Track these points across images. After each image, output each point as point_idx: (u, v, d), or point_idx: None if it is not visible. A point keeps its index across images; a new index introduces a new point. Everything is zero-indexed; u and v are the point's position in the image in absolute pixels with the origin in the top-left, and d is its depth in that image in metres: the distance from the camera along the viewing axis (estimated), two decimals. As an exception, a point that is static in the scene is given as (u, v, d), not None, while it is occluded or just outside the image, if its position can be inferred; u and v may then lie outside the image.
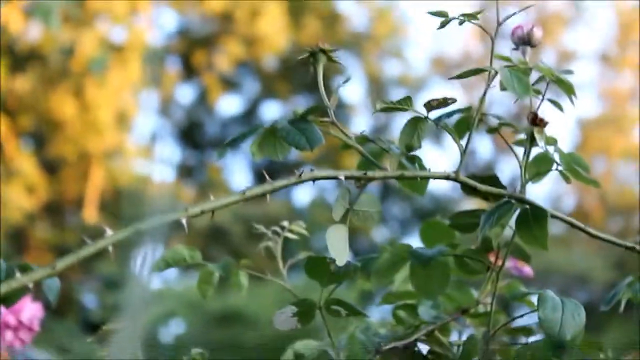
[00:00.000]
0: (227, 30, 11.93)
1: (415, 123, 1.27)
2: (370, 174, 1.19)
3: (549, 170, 1.33)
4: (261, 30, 11.60)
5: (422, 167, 1.28)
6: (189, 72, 12.66)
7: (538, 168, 1.34)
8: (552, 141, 1.32)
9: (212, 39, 12.23)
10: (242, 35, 11.73)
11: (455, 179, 1.24)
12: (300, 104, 12.00)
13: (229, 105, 15.45)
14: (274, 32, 11.59)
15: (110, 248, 1.01)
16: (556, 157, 1.33)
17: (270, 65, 12.35)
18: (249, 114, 12.51)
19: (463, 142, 1.29)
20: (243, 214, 10.05)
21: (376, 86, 11.89)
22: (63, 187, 11.61)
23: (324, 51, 1.31)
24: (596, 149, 11.14)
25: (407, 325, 1.41)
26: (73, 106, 11.17)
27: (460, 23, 1.25)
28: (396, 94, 11.40)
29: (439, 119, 1.29)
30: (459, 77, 1.23)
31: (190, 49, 12.49)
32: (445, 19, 1.24)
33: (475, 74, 1.23)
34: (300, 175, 1.14)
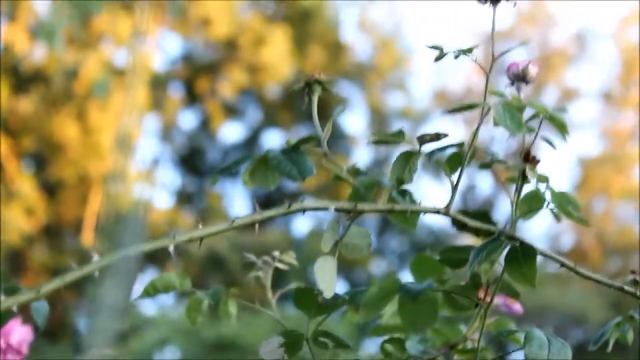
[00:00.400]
0: (231, 57, 11.96)
1: (408, 157, 1.27)
2: (360, 206, 1.18)
3: (540, 208, 1.33)
4: (265, 58, 11.63)
5: (413, 201, 1.28)
6: (192, 98, 12.69)
7: (529, 206, 1.34)
8: (543, 179, 1.32)
9: (216, 66, 12.27)
10: (246, 63, 11.77)
11: (445, 214, 1.23)
12: (303, 133, 11.96)
13: (231, 132, 15.46)
14: (278, 61, 11.62)
15: (97, 273, 1.01)
16: (548, 195, 1.33)
17: (273, 93, 12.38)
18: (251, 141, 12.53)
19: (455, 177, 1.29)
20: (240, 243, 10.03)
21: (378, 118, 11.92)
22: (62, 209, 11.61)
23: (319, 82, 1.31)
24: (596, 188, 11.14)
25: (395, 359, 1.40)
26: (75, 129, 11.19)
27: (456, 57, 1.25)
28: (398, 126, 11.37)
29: (432, 153, 1.29)
30: (452, 111, 1.23)
31: (194, 75, 12.52)
32: (440, 53, 1.24)
33: (469, 109, 1.23)
34: (289, 206, 1.13)
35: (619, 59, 11.91)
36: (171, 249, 1.02)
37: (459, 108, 1.23)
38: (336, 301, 1.32)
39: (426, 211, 1.23)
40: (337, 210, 1.16)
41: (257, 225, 1.11)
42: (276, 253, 1.50)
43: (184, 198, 12.50)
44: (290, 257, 1.48)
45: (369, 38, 12.28)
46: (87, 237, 11.00)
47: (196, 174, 12.86)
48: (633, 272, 1.53)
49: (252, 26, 12.02)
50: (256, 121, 12.73)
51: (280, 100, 12.23)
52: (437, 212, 1.23)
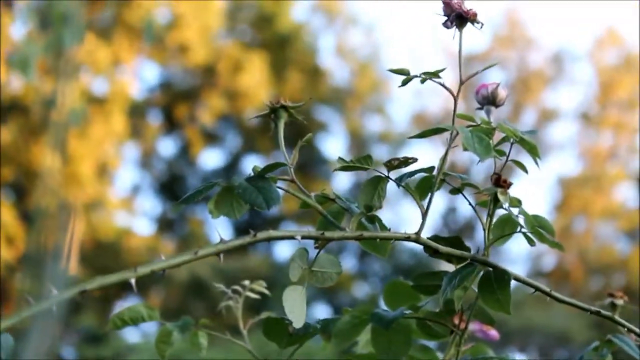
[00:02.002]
0: (209, 83, 11.94)
1: (376, 182, 1.25)
2: (328, 234, 1.16)
3: (514, 232, 1.31)
4: (243, 84, 11.61)
5: (384, 227, 1.26)
6: (171, 124, 12.66)
7: (502, 230, 1.32)
8: (516, 203, 1.30)
9: (194, 93, 12.24)
10: (225, 89, 11.74)
11: (415, 241, 1.21)
12: (281, 158, 11.98)
13: (210, 158, 15.44)
14: (256, 87, 11.60)
15: (54, 308, 0.98)
16: (521, 219, 1.31)
17: (252, 119, 12.33)
18: (230, 167, 12.49)
19: (425, 203, 1.26)
20: (223, 269, 9.98)
21: (358, 142, 11.90)
22: (42, 238, 11.52)
23: (285, 107, 1.29)
24: (577, 207, 11.15)
25: (367, 390, 1.38)
26: (54, 158, 11.13)
27: (422, 81, 1.23)
28: (377, 150, 11.43)
29: (401, 178, 1.26)
30: (419, 136, 1.20)
31: (173, 102, 12.50)
32: (407, 77, 1.22)
33: (436, 133, 1.20)
34: (255, 235, 1.11)
35: (596, 80, 11.95)
36: (132, 282, 0.99)
37: (426, 133, 1.21)
38: (307, 331, 1.29)
39: (396, 238, 1.20)
40: (304, 237, 1.14)
41: (221, 256, 1.08)
42: (246, 282, 1.47)
43: (164, 225, 12.45)
44: (260, 286, 1.46)
45: (347, 63, 12.29)
46: (71, 266, 10.92)
47: (177, 200, 12.77)
48: (611, 294, 1.51)
49: (229, 53, 12.01)
50: (236, 147, 12.71)
51: (259, 126, 12.20)
52: (407, 238, 1.20)
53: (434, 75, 1.22)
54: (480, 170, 11.71)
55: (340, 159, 1.23)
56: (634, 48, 11.56)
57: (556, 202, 11.39)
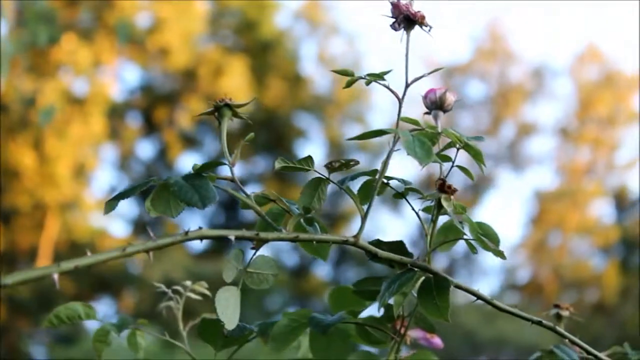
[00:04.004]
0: (189, 87, 11.91)
1: (317, 184, 1.23)
2: (263, 235, 1.14)
3: (457, 239, 1.29)
4: (224, 88, 11.58)
5: (324, 230, 1.24)
6: (150, 127, 12.62)
7: (445, 236, 1.30)
8: (460, 209, 1.27)
9: (174, 96, 12.21)
10: (205, 93, 11.71)
11: (354, 244, 1.19)
12: (261, 164, 11.96)
13: (188, 162, 15.39)
14: (237, 91, 11.57)
15: None
16: (465, 226, 1.29)
17: (231, 124, 12.29)
18: (229, 181, 12.42)
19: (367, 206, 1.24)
20: (197, 272, 9.93)
21: (336, 150, 11.89)
22: (17, 237, 11.48)
23: (229, 106, 1.27)
24: (552, 222, 11.16)
25: (308, 394, 1.36)
26: (31, 157, 11.08)
27: (367, 83, 1.21)
28: (357, 159, 11.36)
29: (343, 181, 1.24)
30: (358, 138, 1.18)
31: (152, 105, 12.46)
32: (351, 79, 1.20)
33: (376, 136, 1.18)
34: (187, 233, 1.09)
35: (576, 96, 11.98)
36: (55, 277, 0.97)
37: (366, 135, 1.19)
38: (243, 333, 1.27)
39: (333, 241, 1.18)
40: (239, 238, 1.11)
41: (151, 254, 1.06)
42: (187, 282, 1.45)
43: (140, 227, 12.41)
44: (202, 287, 1.44)
45: (328, 71, 12.28)
46: (42, 265, 10.86)
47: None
48: (556, 305, 1.49)
49: (211, 57, 11.99)
50: (214, 151, 12.68)
51: (238, 131, 12.14)
52: (345, 242, 1.18)
53: (379, 77, 1.20)
54: (458, 180, 11.72)
55: (281, 159, 1.21)
56: (614, 64, 11.60)
57: (532, 216, 11.41)
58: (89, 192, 11.97)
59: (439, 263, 10.18)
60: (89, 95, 11.57)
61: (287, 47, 12.74)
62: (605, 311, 10.54)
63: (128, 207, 12.67)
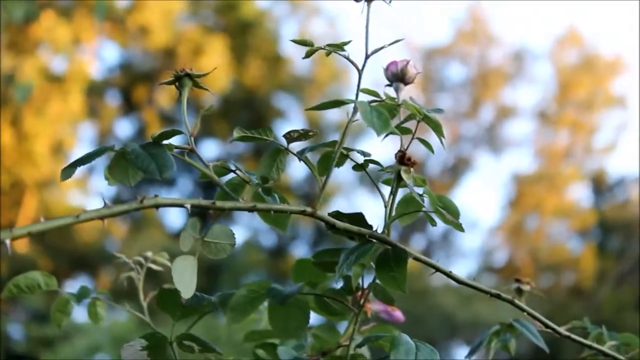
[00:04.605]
0: (168, 66, 11.85)
1: (275, 154, 1.23)
2: (219, 204, 1.13)
3: (417, 211, 1.29)
4: (203, 67, 11.51)
5: (283, 201, 1.24)
6: (129, 106, 12.58)
7: (405, 209, 1.30)
8: (420, 182, 1.27)
9: (154, 75, 12.17)
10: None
11: (311, 215, 1.19)
12: (239, 144, 11.93)
13: (167, 141, 15.33)
14: (216, 71, 11.52)
15: None
16: (426, 199, 1.29)
17: (210, 103, 12.28)
18: (188, 151, 12.40)
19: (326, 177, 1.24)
20: (175, 251, 9.91)
21: (315, 131, 11.86)
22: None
23: (189, 76, 1.27)
24: (530, 205, 11.19)
25: (267, 366, 1.36)
26: (9, 135, 11.03)
27: (327, 54, 1.21)
28: (334, 139, 11.37)
29: (302, 151, 1.24)
30: (317, 108, 1.18)
31: (131, 84, 12.42)
32: (310, 49, 1.20)
33: (334, 106, 1.18)
34: (141, 201, 1.08)
35: (555, 79, 11.99)
36: (7, 242, 0.96)
37: (324, 105, 1.18)
38: (201, 303, 1.27)
39: (291, 211, 1.18)
40: (194, 207, 1.11)
41: (105, 221, 1.05)
42: (149, 253, 1.45)
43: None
44: (163, 258, 1.44)
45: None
46: (19, 243, 10.84)
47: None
48: (517, 280, 1.50)
49: (191, 36, 11.95)
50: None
51: (217, 110, 12.14)
52: (303, 212, 1.18)
53: (339, 47, 1.20)
54: (437, 162, 11.75)
55: (239, 128, 1.21)
56: (593, 48, 11.62)
57: (510, 199, 11.44)
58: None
59: (417, 245, 10.23)
60: (68, 73, 11.52)
61: (268, 28, 12.70)
62: (582, 294, 10.59)
63: (106, 185, 12.62)
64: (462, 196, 15.01)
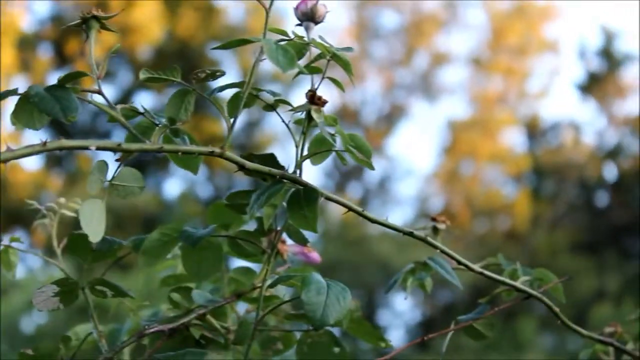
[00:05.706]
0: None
1: (183, 95, 1.22)
2: (125, 145, 1.13)
3: (328, 150, 1.29)
4: (136, 19, 11.42)
5: (193, 142, 1.23)
6: (62, 59, 12.42)
7: (317, 148, 1.30)
8: (331, 121, 1.27)
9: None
10: (116, 24, 11.50)
11: (220, 156, 1.18)
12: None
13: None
14: (149, 22, 11.43)
15: None
16: (337, 139, 1.29)
17: (144, 55, 12.19)
18: (122, 104, 12.30)
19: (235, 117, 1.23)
20: (111, 207, 9.87)
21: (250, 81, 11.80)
22: None
23: (97, 18, 1.25)
24: (465, 151, 11.26)
25: (183, 309, 1.35)
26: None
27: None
28: (270, 90, 11.34)
29: (211, 92, 1.23)
30: (223, 47, 1.18)
31: (63, 36, 12.25)
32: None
33: (241, 44, 1.18)
34: (45, 144, 1.07)
35: (488, 26, 12.03)
36: None
37: (231, 43, 1.18)
38: (111, 246, 1.27)
39: (199, 152, 1.17)
40: (99, 148, 1.10)
41: (4, 166, 1.04)
42: (62, 200, 1.43)
43: (53, 160, 12.25)
44: (77, 204, 1.42)
45: (242, 2, 12.18)
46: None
47: (65, 135, 12.56)
48: (433, 218, 1.51)
49: (122, -14, 11.80)
50: (127, 83, 12.52)
51: (151, 62, 12.02)
52: (212, 153, 1.18)
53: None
54: (372, 110, 11.75)
55: (145, 70, 1.19)
56: (526, -6, 11.67)
57: (445, 145, 11.50)
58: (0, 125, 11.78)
59: (354, 193, 10.26)
60: (-1, 27, 11.34)
61: (200, -23, 12.58)
62: (517, 238, 10.71)
63: (40, 141, 12.50)
64: (398, 144, 15.07)
